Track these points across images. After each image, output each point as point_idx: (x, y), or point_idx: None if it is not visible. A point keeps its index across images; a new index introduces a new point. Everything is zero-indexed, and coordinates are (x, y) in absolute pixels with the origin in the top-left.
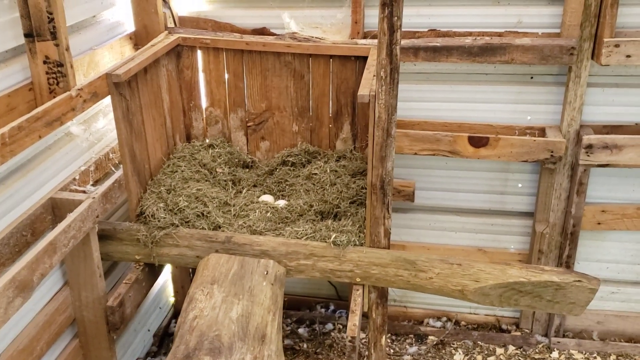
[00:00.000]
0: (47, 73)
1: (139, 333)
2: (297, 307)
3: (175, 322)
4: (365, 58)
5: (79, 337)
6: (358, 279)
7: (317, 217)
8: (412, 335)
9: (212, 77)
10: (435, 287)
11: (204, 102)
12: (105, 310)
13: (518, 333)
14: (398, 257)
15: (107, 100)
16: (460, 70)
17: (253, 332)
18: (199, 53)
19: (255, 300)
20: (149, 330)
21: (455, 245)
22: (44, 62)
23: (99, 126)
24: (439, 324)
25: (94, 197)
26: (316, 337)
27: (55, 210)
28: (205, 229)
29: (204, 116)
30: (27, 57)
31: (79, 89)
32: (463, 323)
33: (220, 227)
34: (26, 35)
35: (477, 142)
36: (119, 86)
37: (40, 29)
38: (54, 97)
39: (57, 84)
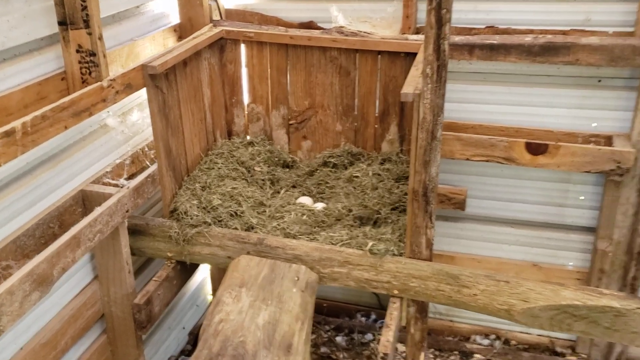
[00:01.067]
0: (79, 62)
1: (173, 331)
2: (337, 314)
3: None
4: (416, 55)
5: (107, 332)
6: (396, 291)
7: (355, 222)
8: (456, 352)
9: (255, 72)
10: (479, 305)
11: (246, 98)
12: (132, 308)
13: (574, 358)
14: (440, 270)
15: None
16: (520, 71)
17: (279, 340)
18: (243, 47)
19: (283, 307)
20: (184, 328)
21: (507, 259)
22: (77, 51)
23: (136, 119)
24: (486, 341)
25: (126, 191)
26: (354, 347)
27: (85, 202)
28: (237, 229)
29: (246, 112)
30: (60, 45)
31: (111, 80)
32: (513, 342)
33: (253, 228)
34: (60, 23)
35: (535, 149)
36: (155, 78)
37: (73, 17)
38: (86, 87)
39: (90, 73)
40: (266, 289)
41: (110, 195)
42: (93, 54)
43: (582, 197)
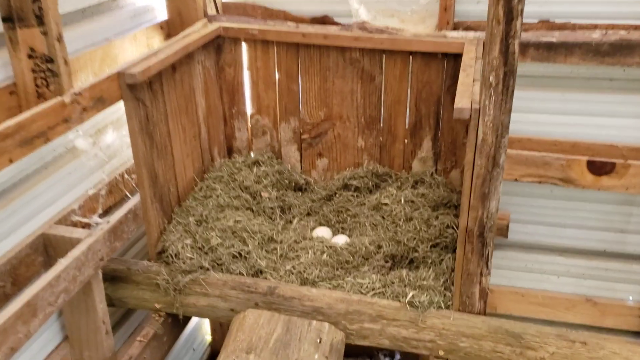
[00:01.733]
0: (33, 71)
1: None
2: (355, 354)
3: None
4: (455, 56)
5: None
6: (441, 352)
7: (387, 262)
8: None
9: (260, 76)
10: None
11: (249, 108)
12: None
13: None
14: (498, 327)
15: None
16: (576, 74)
17: None
18: (244, 46)
19: None
20: None
21: (556, 293)
22: (29, 57)
23: (113, 139)
24: None
25: (100, 233)
26: None
27: (48, 249)
28: (242, 274)
29: (249, 125)
30: (7, 49)
31: (76, 93)
32: None
33: (262, 273)
34: (4, 20)
35: (599, 168)
36: (135, 89)
37: (22, 11)
38: (42, 103)
39: (47, 85)
40: (280, 355)
41: (78, 241)
42: (50, 60)
43: None
